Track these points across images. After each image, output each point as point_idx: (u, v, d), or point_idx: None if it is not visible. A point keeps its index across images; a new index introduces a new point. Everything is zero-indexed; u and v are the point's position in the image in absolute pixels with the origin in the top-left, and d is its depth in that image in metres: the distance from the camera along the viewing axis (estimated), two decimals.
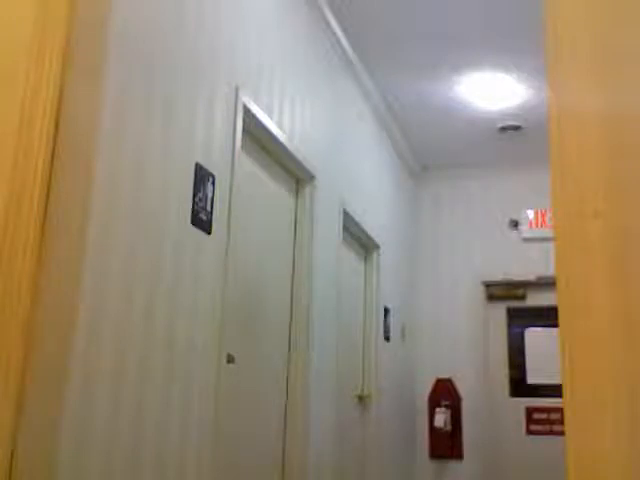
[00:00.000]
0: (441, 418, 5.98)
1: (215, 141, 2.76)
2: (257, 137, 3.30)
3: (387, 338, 5.37)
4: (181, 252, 2.47)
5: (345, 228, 4.52)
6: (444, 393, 6.13)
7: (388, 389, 5.33)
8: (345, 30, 4.38)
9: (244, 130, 3.08)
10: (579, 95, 1.27)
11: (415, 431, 6.11)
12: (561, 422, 5.49)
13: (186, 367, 2.46)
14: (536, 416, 5.97)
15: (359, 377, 4.89)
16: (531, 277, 6.07)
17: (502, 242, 6.27)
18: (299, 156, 3.63)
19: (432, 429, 6.06)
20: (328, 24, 4.19)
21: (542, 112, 5.02)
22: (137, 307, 2.20)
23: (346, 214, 4.46)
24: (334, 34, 4.30)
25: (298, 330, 3.62)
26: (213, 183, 2.71)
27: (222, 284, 2.75)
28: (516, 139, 5.81)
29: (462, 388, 6.11)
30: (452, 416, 6.05)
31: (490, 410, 6.04)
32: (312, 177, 3.83)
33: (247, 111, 3.04)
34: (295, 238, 3.74)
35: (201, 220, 2.61)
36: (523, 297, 6.23)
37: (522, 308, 6.25)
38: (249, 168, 3.23)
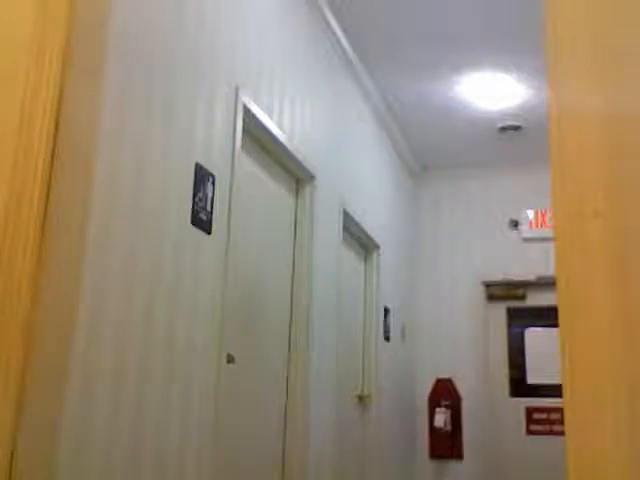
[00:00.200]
0: (441, 418, 5.98)
1: (215, 141, 2.76)
2: (257, 137, 3.30)
3: (387, 338, 5.37)
4: (181, 252, 2.47)
5: (345, 228, 4.52)
6: (444, 393, 6.13)
7: (388, 389, 5.33)
8: (345, 30, 4.38)
9: (244, 130, 3.08)
10: (579, 95, 1.27)
11: (415, 431, 6.11)
12: (561, 422, 5.49)
13: (186, 367, 2.46)
14: (536, 416, 5.97)
15: (359, 377, 4.89)
16: (531, 277, 6.07)
17: (502, 242, 6.27)
18: (299, 156, 3.63)
19: (432, 429, 6.06)
20: (328, 24, 4.19)
21: (542, 112, 5.02)
22: (137, 307, 2.20)
23: (346, 214, 4.46)
24: (334, 34, 4.30)
25: (298, 330, 3.62)
26: (213, 183, 2.71)
27: (222, 284, 2.75)
28: (516, 139, 5.81)
29: (462, 388, 6.11)
30: (452, 416, 6.05)
31: (490, 410, 6.04)
32: (312, 177, 3.83)
33: (247, 111, 3.04)
34: (295, 238, 3.74)
35: (201, 220, 2.61)
36: (523, 297, 6.23)
37: (522, 308, 6.25)
38: (249, 168, 3.23)
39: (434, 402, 6.13)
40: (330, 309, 4.08)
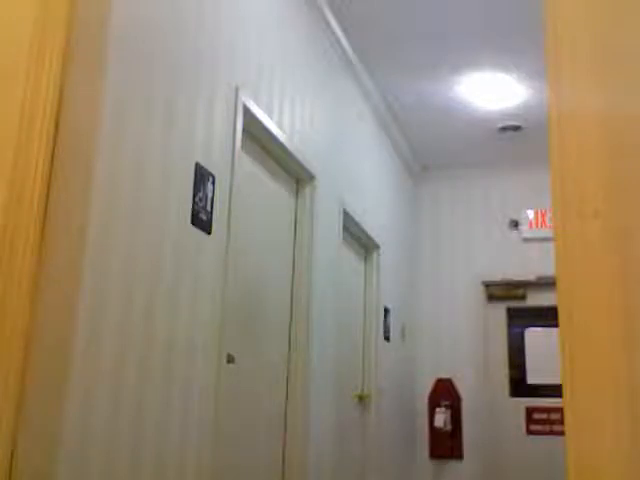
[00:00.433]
0: (441, 418, 5.98)
1: (215, 141, 2.76)
2: (257, 137, 3.30)
3: (387, 338, 5.37)
4: (181, 252, 2.47)
5: (345, 228, 4.52)
6: (444, 393, 6.13)
7: (388, 389, 5.33)
8: (345, 30, 4.38)
9: (244, 130, 3.08)
10: (579, 95, 1.27)
11: (415, 431, 6.11)
12: (561, 422, 5.49)
13: (186, 367, 2.46)
14: (536, 416, 5.97)
15: (359, 377, 4.89)
16: (531, 277, 6.07)
17: (502, 242, 6.27)
18: (299, 156, 3.62)
19: (432, 429, 6.06)
20: (328, 24, 4.19)
21: (542, 112, 5.01)
22: (137, 307, 2.20)
23: (346, 214, 4.46)
24: (334, 34, 4.30)
25: (298, 330, 3.62)
26: (213, 183, 2.71)
27: (222, 284, 2.75)
28: (516, 139, 5.81)
29: (462, 388, 6.11)
30: (452, 416, 6.05)
31: (490, 410, 6.03)
32: (312, 177, 3.83)
33: (247, 111, 3.04)
34: (295, 238, 3.74)
35: (201, 220, 2.61)
36: (523, 297, 6.23)
37: (522, 308, 6.25)
38: (249, 168, 3.23)
39: (434, 402, 6.13)
40: (330, 309, 4.08)
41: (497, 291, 6.28)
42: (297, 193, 3.81)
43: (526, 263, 6.09)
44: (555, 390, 5.05)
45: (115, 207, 2.12)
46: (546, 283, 5.82)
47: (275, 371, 3.43)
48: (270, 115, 3.31)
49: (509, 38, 4.41)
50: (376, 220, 5.20)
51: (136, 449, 2.16)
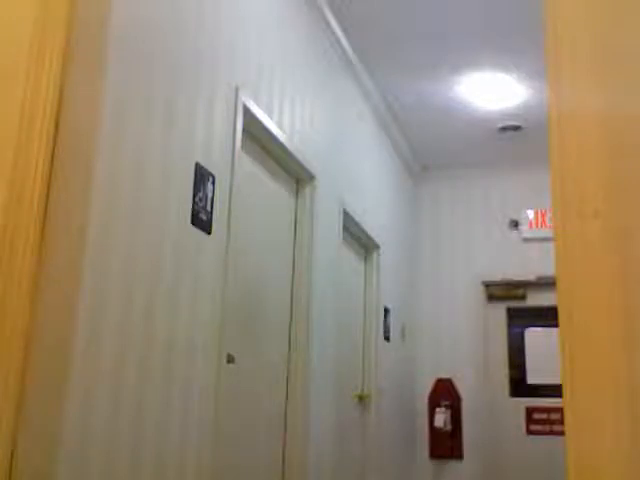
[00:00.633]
0: (441, 418, 5.98)
1: (215, 141, 2.76)
2: (257, 137, 3.30)
3: (387, 338, 5.37)
4: (181, 252, 2.47)
5: (345, 228, 4.52)
6: (444, 393, 6.13)
7: (388, 389, 5.33)
8: (345, 30, 4.38)
9: (244, 130, 3.08)
10: (579, 95, 1.27)
11: (415, 431, 6.11)
12: (561, 422, 5.49)
13: (186, 367, 2.46)
14: (536, 416, 5.97)
15: (359, 377, 4.89)
16: (531, 277, 6.06)
17: (502, 242, 6.27)
18: (299, 156, 3.62)
19: (432, 429, 6.06)
20: (328, 24, 4.19)
21: (542, 112, 5.01)
22: (137, 307, 2.20)
23: (346, 214, 4.46)
24: (334, 34, 4.30)
25: (298, 330, 3.62)
26: (213, 183, 2.71)
27: (222, 284, 2.75)
28: (516, 139, 5.81)
29: (462, 388, 6.11)
30: (452, 416, 6.05)
31: (490, 410, 6.03)
32: (312, 177, 3.83)
33: (247, 111, 3.04)
34: (295, 238, 3.74)
35: (201, 220, 2.61)
36: (523, 297, 6.23)
37: (522, 308, 6.25)
38: (249, 168, 3.23)
39: (434, 402, 6.12)
40: (330, 309, 4.08)
41: (497, 291, 6.28)
42: (297, 193, 3.81)
43: (526, 263, 6.09)
44: (555, 390, 5.05)
45: (115, 207, 2.12)
46: (546, 283, 5.82)
47: (275, 371, 3.43)
48: (270, 115, 3.31)
49: (509, 38, 4.41)
50: (376, 220, 5.20)
51: (136, 449, 2.16)
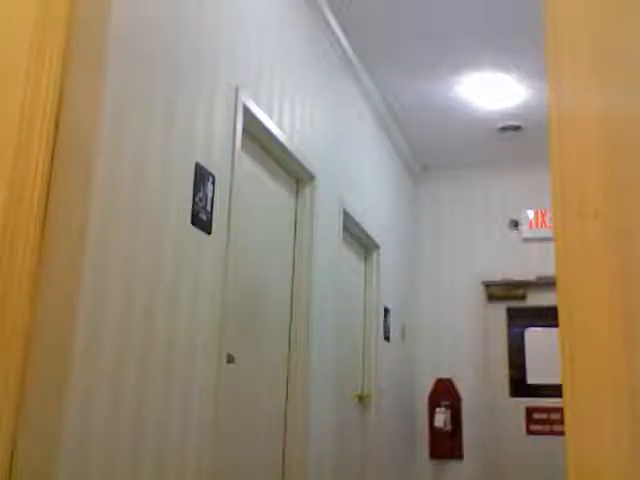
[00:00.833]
0: (441, 418, 5.98)
1: (215, 141, 2.76)
2: (257, 137, 3.30)
3: (387, 338, 5.37)
4: (181, 252, 2.47)
5: (345, 228, 4.52)
6: (444, 393, 6.13)
7: (388, 389, 5.33)
8: (345, 30, 4.38)
9: (244, 130, 3.08)
10: (579, 95, 1.27)
11: (415, 431, 6.11)
12: (561, 422, 5.49)
13: (186, 367, 2.46)
14: (536, 416, 5.97)
15: (359, 377, 4.89)
16: (531, 277, 6.06)
17: (502, 242, 6.27)
18: (299, 156, 3.62)
19: (432, 429, 6.06)
20: (328, 24, 4.19)
21: (542, 112, 5.01)
22: (137, 307, 2.20)
23: (346, 214, 4.46)
24: (334, 34, 4.30)
25: (298, 330, 3.62)
26: (213, 183, 2.71)
27: (222, 284, 2.75)
28: (516, 139, 5.81)
29: (462, 388, 6.11)
30: (452, 416, 6.05)
31: (490, 410, 6.03)
32: (312, 177, 3.83)
33: (247, 111, 3.04)
34: (295, 238, 3.74)
35: (201, 220, 2.61)
36: (523, 297, 6.23)
37: (522, 308, 6.25)
38: (249, 168, 3.23)
39: (434, 402, 6.12)
40: (330, 309, 4.08)
41: (497, 291, 6.28)
42: (297, 193, 3.81)
43: (526, 263, 6.09)
44: (555, 390, 5.05)
45: (115, 207, 2.12)
46: (546, 283, 5.82)
47: (275, 371, 3.43)
48: (270, 115, 3.31)
49: (509, 38, 4.41)
50: (376, 220, 5.20)
51: (136, 449, 2.16)
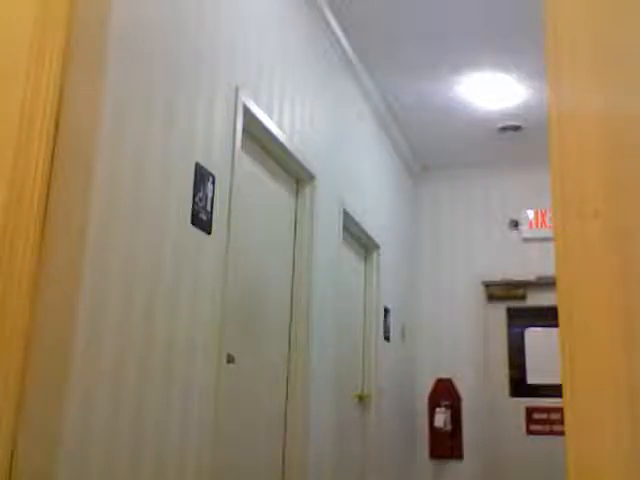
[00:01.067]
0: (441, 418, 5.98)
1: (215, 141, 2.76)
2: (257, 137, 3.30)
3: (387, 338, 5.37)
4: (181, 252, 2.47)
5: (345, 228, 4.52)
6: (444, 393, 6.13)
7: (388, 389, 5.33)
8: (345, 30, 4.38)
9: (244, 130, 3.08)
10: (579, 95, 1.27)
11: (415, 431, 6.11)
12: (561, 422, 5.49)
13: (186, 367, 2.46)
14: (536, 416, 5.97)
15: (359, 377, 4.89)
16: (531, 277, 6.06)
17: (502, 242, 6.27)
18: (299, 156, 3.62)
19: (432, 429, 6.06)
20: (328, 24, 4.19)
21: (542, 112, 5.01)
22: (137, 307, 2.20)
23: (346, 214, 4.46)
24: (334, 34, 4.30)
25: (298, 330, 3.62)
26: (213, 183, 2.71)
27: (222, 284, 2.75)
28: (516, 139, 5.81)
29: (462, 388, 6.11)
30: (452, 416, 6.05)
31: (490, 410, 6.03)
32: (312, 177, 3.83)
33: (247, 111, 3.04)
34: (295, 238, 3.74)
35: (201, 220, 2.61)
36: (523, 297, 6.23)
37: (522, 308, 6.25)
38: (249, 168, 3.23)
39: (434, 402, 6.12)
40: (330, 309, 4.08)
41: (497, 291, 6.28)
42: (297, 193, 3.81)
43: (526, 263, 6.09)
44: (555, 390, 5.05)
45: (115, 207, 2.12)
46: (546, 283, 5.82)
47: (275, 371, 3.43)
48: (270, 115, 3.31)
49: (509, 38, 4.41)
50: (376, 220, 5.20)
51: (136, 449, 2.16)
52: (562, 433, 1.19)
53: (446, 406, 6.07)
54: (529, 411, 5.99)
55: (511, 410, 6.02)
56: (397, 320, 5.69)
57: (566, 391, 1.15)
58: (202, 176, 2.62)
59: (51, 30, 2.09)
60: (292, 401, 3.52)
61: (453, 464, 6.02)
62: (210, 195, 2.68)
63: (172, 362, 2.37)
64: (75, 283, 1.95)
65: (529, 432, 5.95)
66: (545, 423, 5.92)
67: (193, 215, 2.55)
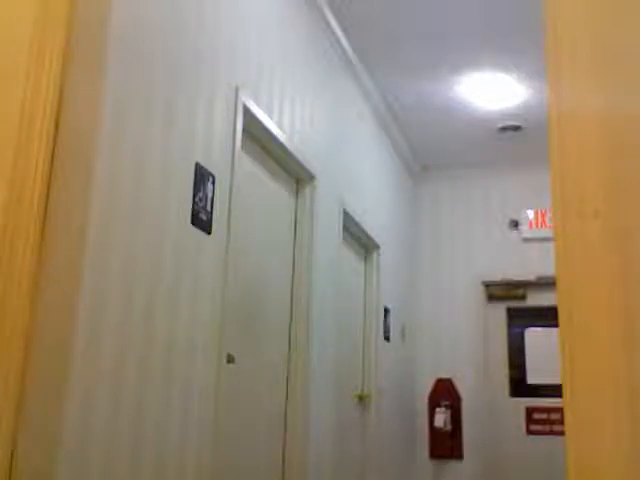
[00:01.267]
0: (441, 418, 5.98)
1: (215, 141, 2.76)
2: (257, 137, 3.30)
3: (387, 338, 5.37)
4: (181, 252, 2.47)
5: (345, 228, 4.52)
6: (444, 393, 6.13)
7: (388, 389, 5.33)
8: (345, 30, 4.38)
9: (244, 130, 3.08)
10: (579, 95, 1.27)
11: (415, 431, 6.11)
12: (561, 422, 5.49)
13: (186, 367, 2.46)
14: (536, 416, 5.97)
15: (359, 377, 4.89)
16: (531, 277, 6.06)
17: (502, 242, 6.27)
18: (299, 156, 3.62)
19: (432, 429, 6.06)
20: (328, 24, 4.19)
21: (542, 112, 5.01)
22: (137, 307, 2.20)
23: (346, 214, 4.46)
24: (334, 34, 4.30)
25: (298, 330, 3.62)
26: (213, 183, 2.71)
27: (222, 284, 2.75)
28: (516, 139, 5.81)
29: (462, 388, 6.11)
30: (452, 416, 6.05)
31: (490, 410, 6.03)
32: (312, 177, 3.83)
33: (247, 111, 3.04)
34: (295, 238, 3.74)
35: (201, 220, 2.61)
36: (523, 297, 6.23)
37: (522, 308, 6.25)
38: (249, 168, 3.23)
39: (434, 402, 6.12)
40: (330, 309, 4.08)
41: (497, 291, 6.28)
42: (297, 193, 3.81)
43: (526, 263, 6.09)
44: (555, 390, 5.05)
45: (115, 207, 2.12)
46: (546, 283, 5.82)
47: (275, 371, 3.43)
48: (270, 115, 3.31)
49: (509, 38, 4.41)
50: (376, 220, 5.20)
51: (136, 449, 2.16)
52: (562, 433, 1.19)
53: (446, 406, 6.07)
54: (529, 411, 5.99)
55: (511, 410, 6.02)
56: (397, 320, 5.69)
57: (566, 391, 1.15)
58: (202, 176, 2.62)
59: (51, 30, 2.09)
60: (292, 401, 3.52)
61: (453, 464, 6.02)
62: (210, 195, 2.68)
63: (172, 362, 2.37)
64: (75, 283, 1.95)
65: (529, 432, 5.95)
66: (545, 423, 5.92)
67: (193, 215, 2.55)
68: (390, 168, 5.77)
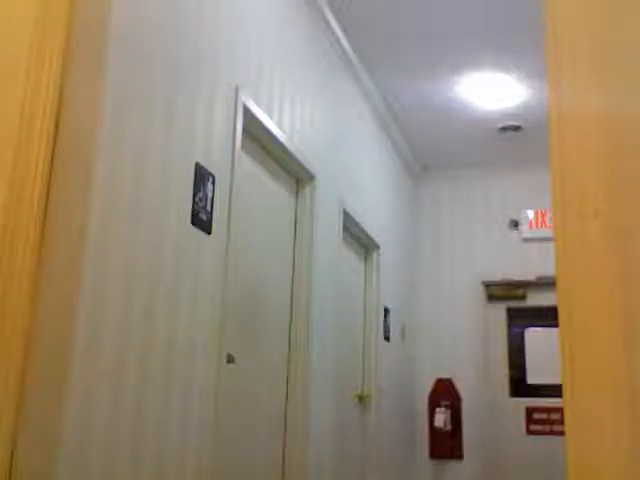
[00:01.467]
0: (441, 418, 5.98)
1: (215, 141, 2.76)
2: (257, 137, 3.30)
3: (387, 338, 5.37)
4: (181, 252, 2.47)
5: (345, 228, 4.52)
6: (444, 393, 6.13)
7: (388, 389, 5.33)
8: (345, 30, 4.38)
9: (244, 130, 3.08)
10: (579, 95, 1.27)
11: (415, 431, 6.11)
12: (561, 422, 5.49)
13: (186, 367, 2.46)
14: (536, 416, 5.97)
15: (359, 377, 4.89)
16: (531, 277, 6.06)
17: (502, 242, 6.27)
18: (299, 156, 3.62)
19: (432, 429, 6.06)
20: (328, 24, 4.19)
21: (542, 112, 5.01)
22: (137, 307, 2.20)
23: (346, 214, 4.46)
24: (334, 34, 4.30)
25: (298, 330, 3.62)
26: (213, 183, 2.71)
27: (222, 284, 2.75)
28: (516, 139, 5.81)
29: (462, 388, 6.11)
30: (452, 416, 6.05)
31: (490, 410, 6.03)
32: (312, 177, 3.83)
33: (247, 111, 3.04)
34: (295, 238, 3.74)
35: (201, 220, 2.61)
36: (523, 297, 6.23)
37: (522, 308, 6.25)
38: (249, 168, 3.23)
39: (434, 402, 6.12)
40: (330, 309, 4.08)
41: (497, 291, 6.27)
42: (297, 193, 3.81)
43: (526, 263, 6.09)
44: (555, 390, 5.05)
45: (115, 207, 2.12)
46: (546, 283, 5.82)
47: (275, 371, 3.43)
48: (270, 115, 3.31)
49: (509, 38, 4.41)
50: (376, 220, 5.20)
51: (136, 449, 2.16)
52: (562, 433, 1.19)
53: (446, 406, 6.07)
54: (529, 411, 5.99)
55: (511, 410, 6.02)
56: (397, 320, 5.69)
57: (566, 391, 1.15)
58: (202, 176, 2.62)
59: (51, 30, 2.09)
60: (292, 401, 3.52)
61: (453, 464, 6.02)
62: (210, 195, 2.68)
63: (172, 362, 2.37)
64: (75, 283, 1.95)
65: (529, 432, 5.95)
66: (545, 423, 5.92)
67: (193, 215, 2.55)
68: (390, 168, 5.77)
